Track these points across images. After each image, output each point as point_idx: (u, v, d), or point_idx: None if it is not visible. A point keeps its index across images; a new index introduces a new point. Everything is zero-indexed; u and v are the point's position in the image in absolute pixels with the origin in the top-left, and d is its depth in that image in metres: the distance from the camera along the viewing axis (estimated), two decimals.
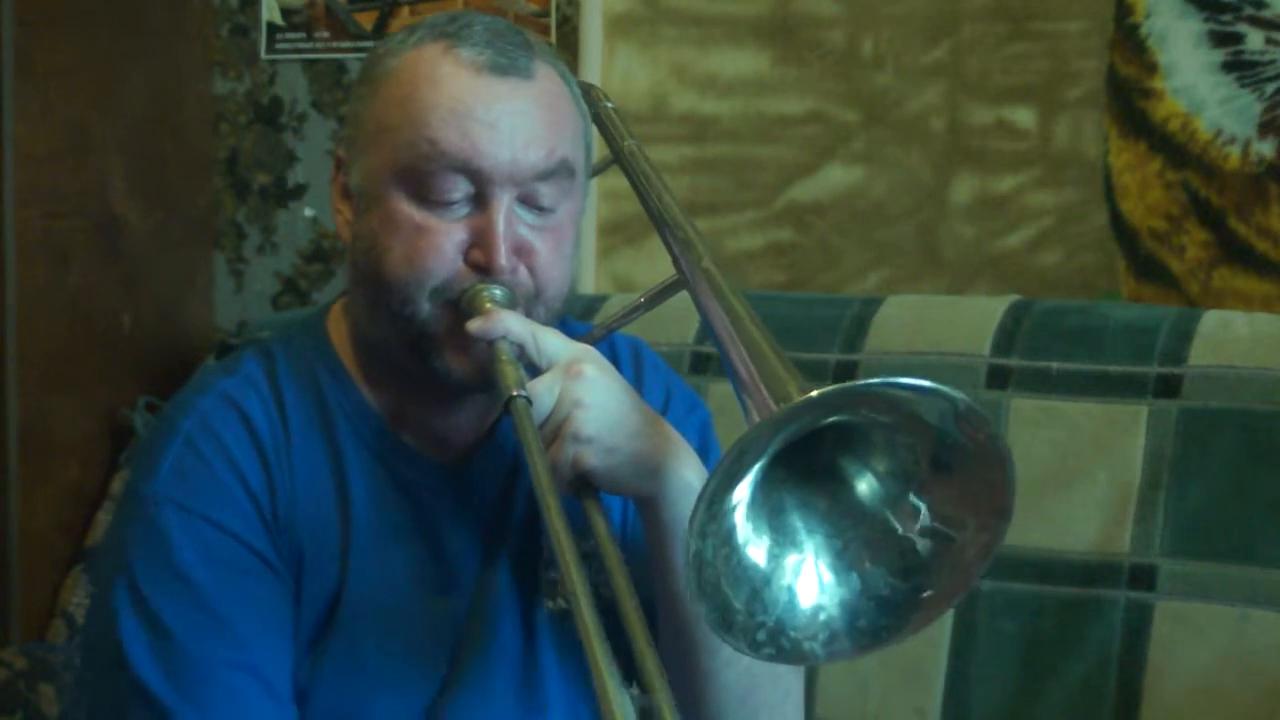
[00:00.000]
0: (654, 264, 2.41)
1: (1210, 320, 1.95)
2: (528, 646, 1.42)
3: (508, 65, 1.33)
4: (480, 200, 1.33)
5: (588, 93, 1.61)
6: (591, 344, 1.42)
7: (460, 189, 1.32)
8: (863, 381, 1.06)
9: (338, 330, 1.44)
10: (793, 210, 2.38)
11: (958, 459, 1.10)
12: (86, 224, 2.39)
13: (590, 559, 1.30)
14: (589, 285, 2.41)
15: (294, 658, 1.37)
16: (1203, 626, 1.82)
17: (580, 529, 1.26)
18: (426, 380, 1.37)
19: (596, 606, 1.14)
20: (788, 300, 2.18)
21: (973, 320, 2.03)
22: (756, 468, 1.10)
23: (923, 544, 1.14)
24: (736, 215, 2.40)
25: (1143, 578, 1.85)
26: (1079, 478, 1.91)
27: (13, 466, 2.27)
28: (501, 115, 1.32)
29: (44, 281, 2.31)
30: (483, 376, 1.31)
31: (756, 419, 1.09)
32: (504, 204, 1.33)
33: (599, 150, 1.54)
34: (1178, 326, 1.94)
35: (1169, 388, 1.90)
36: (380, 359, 1.40)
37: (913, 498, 1.14)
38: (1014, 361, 1.98)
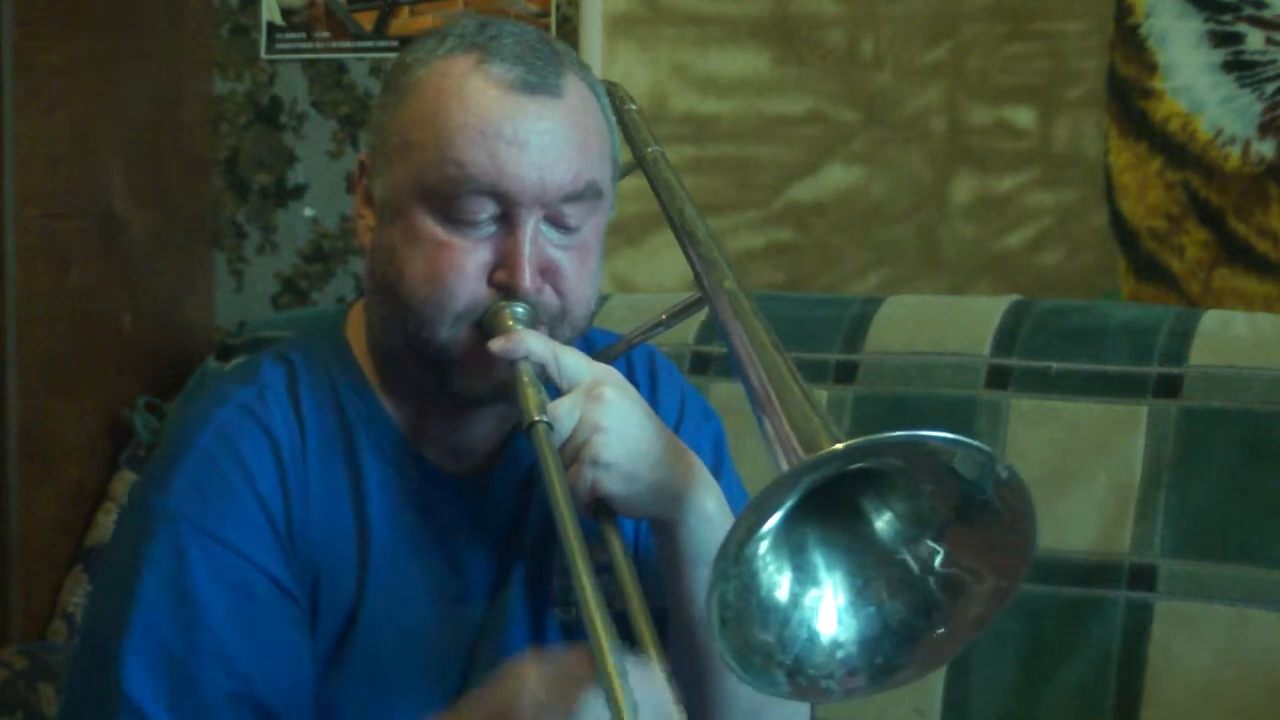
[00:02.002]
0: (655, 264, 2.42)
1: (1210, 320, 1.95)
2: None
3: (538, 83, 1.31)
4: (506, 221, 1.31)
5: (613, 93, 1.58)
6: (612, 359, 1.41)
7: (487, 210, 1.30)
8: (903, 433, 1.05)
9: (357, 336, 1.42)
10: (793, 210, 2.38)
11: (981, 512, 1.10)
12: (86, 224, 2.39)
13: (604, 572, 1.30)
14: None
15: (312, 677, 1.35)
16: (1202, 626, 1.82)
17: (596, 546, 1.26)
18: (444, 394, 1.36)
19: (612, 622, 1.15)
20: (788, 300, 2.18)
21: (973, 320, 2.03)
22: (782, 513, 1.09)
23: (938, 585, 1.13)
24: (736, 215, 2.40)
25: (1143, 578, 1.85)
26: (1079, 478, 1.91)
27: (13, 466, 2.26)
28: (530, 134, 1.30)
29: (44, 281, 2.31)
30: (503, 392, 1.29)
31: (780, 454, 1.09)
32: (530, 225, 1.31)
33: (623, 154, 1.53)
34: (1178, 326, 1.94)
35: (1169, 388, 1.90)
36: (398, 370, 1.38)
37: (930, 541, 1.13)
38: (1014, 361, 1.98)
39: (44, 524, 2.32)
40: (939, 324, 2.05)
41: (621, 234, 2.44)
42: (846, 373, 2.04)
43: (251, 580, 1.31)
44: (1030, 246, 2.28)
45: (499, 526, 1.41)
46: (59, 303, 2.34)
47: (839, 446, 1.04)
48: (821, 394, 2.03)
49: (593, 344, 1.47)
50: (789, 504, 1.09)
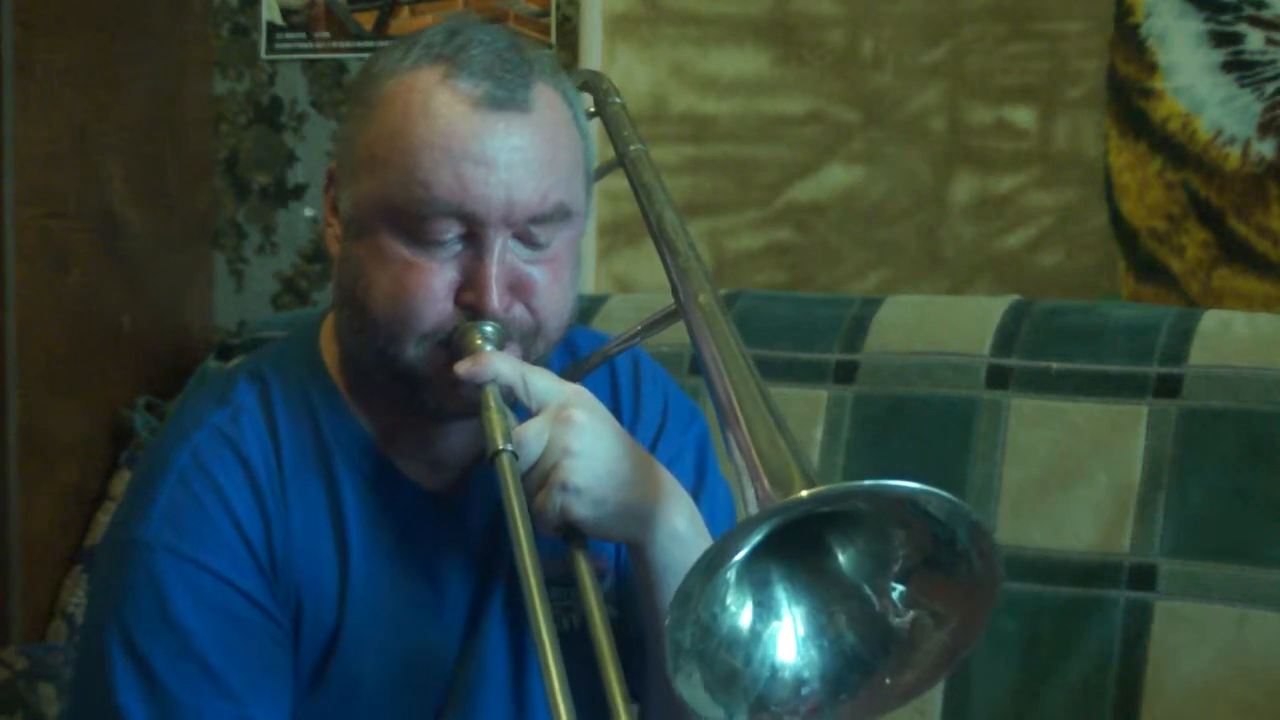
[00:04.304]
0: (654, 264, 2.38)
1: (1210, 320, 1.95)
2: (517, 673, 1.40)
3: (505, 98, 1.27)
4: (473, 240, 1.28)
5: (597, 85, 1.56)
6: (587, 371, 1.39)
7: (453, 230, 1.27)
8: (869, 481, 1.03)
9: (330, 348, 1.40)
10: (793, 210, 2.38)
11: (949, 558, 1.09)
12: (86, 224, 2.39)
13: (571, 586, 1.27)
14: (589, 285, 2.41)
15: (294, 699, 1.34)
16: (1203, 626, 1.82)
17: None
18: (415, 408, 1.34)
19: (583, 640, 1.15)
20: (788, 300, 2.18)
21: (973, 320, 2.03)
22: (743, 554, 1.08)
23: (901, 622, 1.12)
24: (736, 215, 2.40)
25: (1143, 578, 1.85)
26: (1079, 478, 1.91)
27: (13, 466, 2.27)
28: (498, 153, 1.26)
29: (44, 281, 2.31)
30: (473, 409, 1.27)
31: (746, 487, 1.07)
32: (497, 246, 1.27)
33: (605, 151, 1.51)
34: (1178, 326, 1.94)
35: (1169, 388, 1.90)
36: (370, 383, 1.36)
37: (892, 581, 1.12)
38: (1014, 361, 1.98)
39: (44, 524, 2.32)
40: (939, 324, 2.04)
41: (621, 234, 2.44)
42: (846, 373, 2.04)
43: (233, 603, 1.30)
44: (1030, 246, 2.28)
45: (477, 543, 1.39)
46: (59, 303, 2.34)
47: (803, 495, 1.03)
48: (821, 394, 2.03)
49: (576, 347, 1.44)
50: (750, 546, 1.07)
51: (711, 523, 1.35)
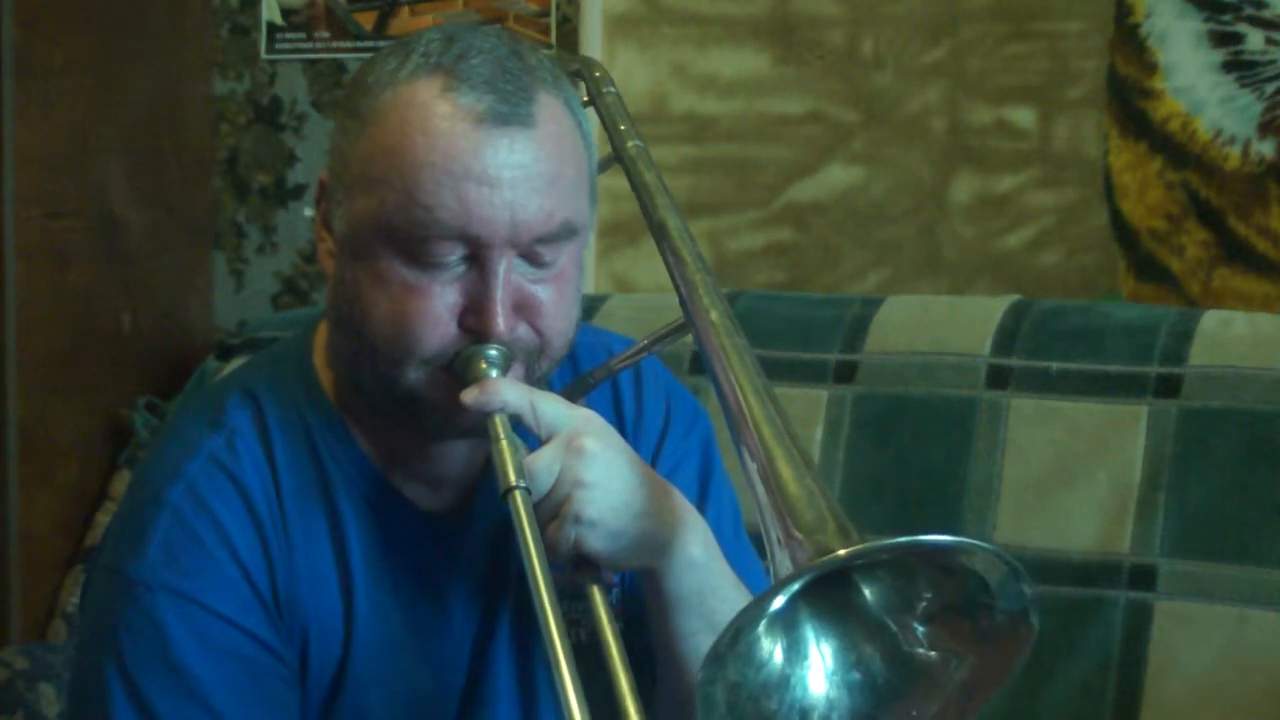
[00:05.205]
0: (654, 263, 2.38)
1: (1210, 320, 1.95)
2: (526, 693, 1.37)
3: (509, 113, 1.22)
4: (476, 261, 1.23)
5: (590, 74, 1.51)
6: (592, 386, 1.36)
7: (455, 251, 1.22)
8: (907, 538, 1.01)
9: (324, 365, 1.35)
10: (793, 210, 2.38)
11: (975, 605, 1.06)
12: (86, 224, 2.39)
13: (580, 599, 1.25)
14: (589, 285, 2.41)
15: None
16: (1203, 626, 1.82)
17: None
18: (416, 429, 1.30)
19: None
20: (788, 300, 2.18)
21: (973, 320, 2.03)
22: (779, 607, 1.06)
23: (925, 656, 1.10)
24: (736, 215, 2.40)
25: (1143, 578, 1.85)
26: (1079, 478, 1.91)
27: (13, 466, 2.27)
28: (501, 171, 1.21)
29: (44, 281, 2.31)
30: (475, 431, 1.24)
31: (772, 520, 1.05)
32: (501, 268, 1.23)
33: (602, 144, 1.48)
34: (1178, 326, 1.94)
35: (1169, 388, 1.90)
36: (367, 401, 1.32)
37: (916, 620, 1.10)
38: (1014, 361, 1.98)
39: (44, 524, 2.32)
40: (939, 324, 2.04)
41: (622, 234, 2.44)
42: (846, 373, 2.04)
43: (238, 643, 1.27)
44: (1030, 246, 2.28)
45: (481, 563, 1.35)
46: (59, 303, 2.34)
47: (840, 553, 0.99)
48: (821, 394, 2.03)
49: (576, 354, 1.39)
50: (783, 602, 1.05)
51: (718, 529, 1.33)
